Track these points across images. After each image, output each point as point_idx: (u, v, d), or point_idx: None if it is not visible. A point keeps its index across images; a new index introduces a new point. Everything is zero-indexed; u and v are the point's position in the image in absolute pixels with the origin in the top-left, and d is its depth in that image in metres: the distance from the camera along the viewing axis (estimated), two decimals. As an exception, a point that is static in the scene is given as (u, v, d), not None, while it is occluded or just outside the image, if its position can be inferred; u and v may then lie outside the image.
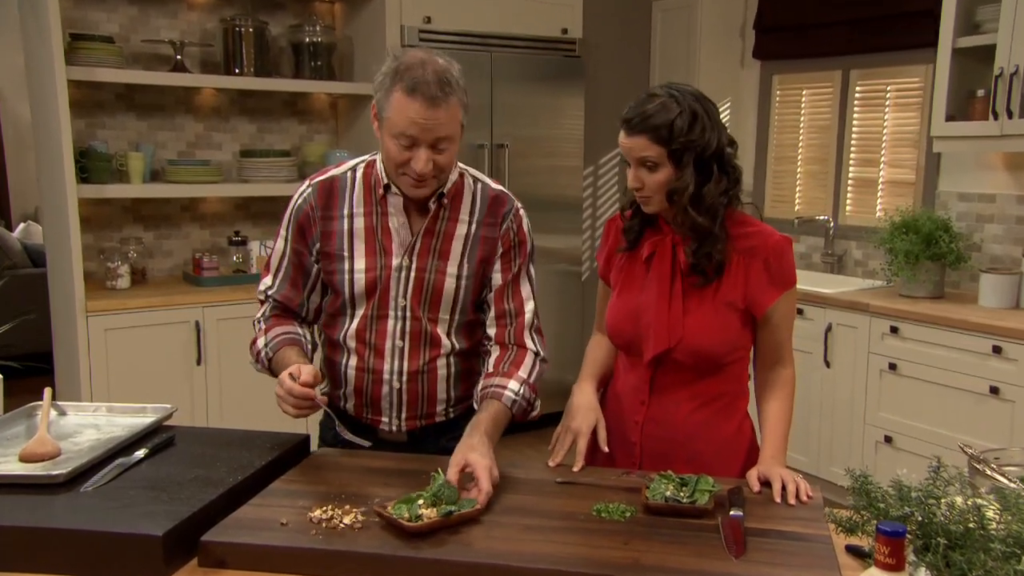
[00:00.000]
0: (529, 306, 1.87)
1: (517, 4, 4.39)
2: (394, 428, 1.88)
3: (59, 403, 1.96)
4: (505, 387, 1.77)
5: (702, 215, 1.72)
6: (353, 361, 1.86)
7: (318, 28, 4.13)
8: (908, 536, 1.25)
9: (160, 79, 3.82)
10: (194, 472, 1.63)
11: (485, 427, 1.69)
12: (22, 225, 6.09)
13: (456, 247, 1.81)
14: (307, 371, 1.67)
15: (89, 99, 3.85)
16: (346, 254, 1.81)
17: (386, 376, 1.84)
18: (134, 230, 4.01)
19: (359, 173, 1.84)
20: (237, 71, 3.97)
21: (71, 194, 3.47)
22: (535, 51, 4.48)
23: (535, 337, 1.87)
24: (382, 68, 1.69)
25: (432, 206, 1.80)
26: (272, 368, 1.84)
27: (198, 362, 3.67)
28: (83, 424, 1.88)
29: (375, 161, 1.84)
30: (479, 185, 1.86)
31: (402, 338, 1.82)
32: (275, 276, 1.89)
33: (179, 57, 3.87)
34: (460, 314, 1.85)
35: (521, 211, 1.88)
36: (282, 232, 1.87)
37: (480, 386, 1.82)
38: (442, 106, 1.64)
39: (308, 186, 1.85)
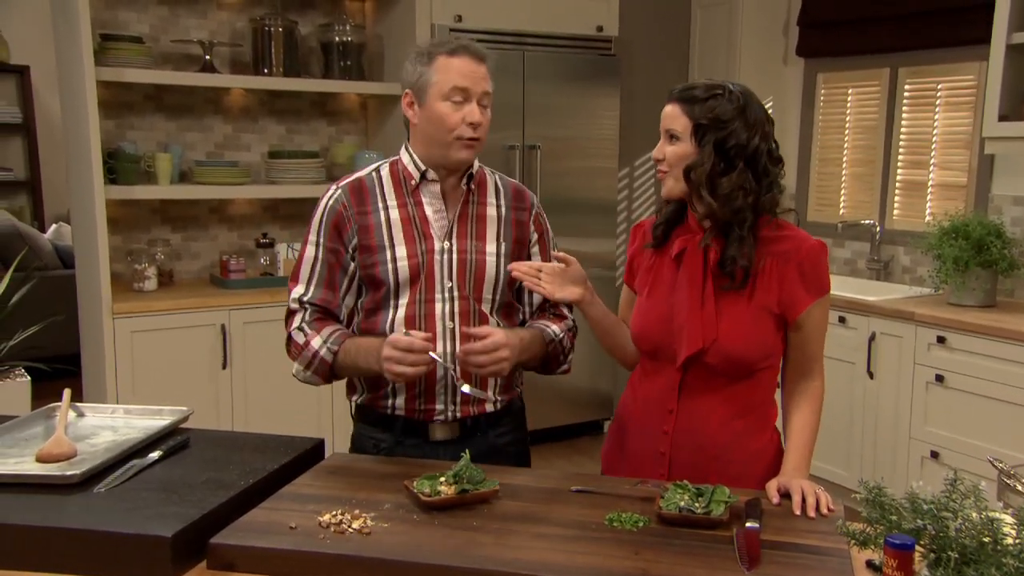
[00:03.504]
0: None
1: (550, 1, 4.29)
2: (448, 416, 1.89)
3: (77, 404, 1.98)
4: (549, 326, 1.95)
5: (717, 201, 1.70)
6: None
7: (348, 27, 4.10)
8: (920, 550, 1.24)
9: (189, 79, 3.82)
10: (206, 475, 1.65)
11: (519, 332, 1.87)
12: (54, 226, 6.09)
13: (491, 228, 1.92)
14: (416, 332, 1.76)
15: (118, 99, 3.86)
16: (386, 243, 1.86)
17: (440, 359, 1.85)
18: (162, 232, 4.01)
19: (384, 171, 1.93)
20: (266, 71, 3.95)
21: (99, 195, 3.48)
22: (569, 49, 4.39)
23: (567, 308, 2.04)
24: (410, 60, 1.85)
25: (464, 188, 1.91)
26: (338, 362, 1.85)
27: (224, 366, 3.64)
28: (100, 426, 1.91)
29: (399, 159, 1.92)
30: (497, 175, 2.01)
31: (452, 319, 1.87)
32: (308, 283, 1.90)
33: (208, 57, 3.86)
34: (500, 294, 1.92)
35: None
36: (312, 237, 1.90)
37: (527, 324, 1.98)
38: (485, 62, 1.82)
39: (337, 189, 1.91)
